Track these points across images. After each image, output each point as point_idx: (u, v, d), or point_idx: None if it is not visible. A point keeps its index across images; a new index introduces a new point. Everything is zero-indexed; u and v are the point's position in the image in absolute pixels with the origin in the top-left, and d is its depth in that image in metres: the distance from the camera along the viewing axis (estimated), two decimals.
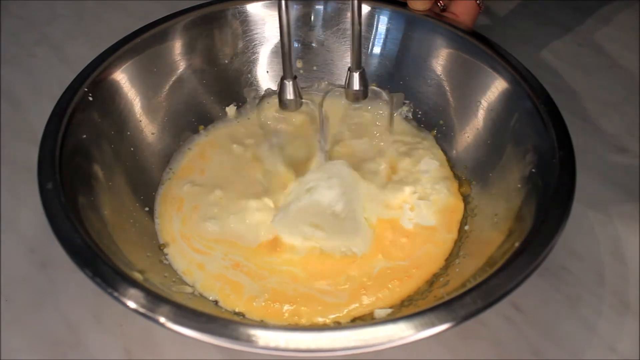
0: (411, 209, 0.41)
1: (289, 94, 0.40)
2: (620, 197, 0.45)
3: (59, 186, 0.34)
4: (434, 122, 0.47)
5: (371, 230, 0.41)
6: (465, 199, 0.43)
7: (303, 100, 0.41)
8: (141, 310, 0.29)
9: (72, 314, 0.38)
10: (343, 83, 0.50)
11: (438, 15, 0.46)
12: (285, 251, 0.40)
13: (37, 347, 0.37)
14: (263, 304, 0.37)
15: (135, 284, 0.30)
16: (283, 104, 0.41)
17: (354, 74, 0.40)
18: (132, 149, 0.43)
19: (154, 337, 0.37)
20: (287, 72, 0.39)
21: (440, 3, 0.47)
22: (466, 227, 0.41)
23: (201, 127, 0.48)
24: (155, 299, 0.29)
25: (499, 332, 0.37)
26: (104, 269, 0.30)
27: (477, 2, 0.46)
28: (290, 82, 0.40)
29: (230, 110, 0.49)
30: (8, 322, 0.38)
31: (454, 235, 0.41)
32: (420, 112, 0.48)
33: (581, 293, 0.39)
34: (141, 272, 0.34)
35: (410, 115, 0.49)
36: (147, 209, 0.42)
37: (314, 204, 0.37)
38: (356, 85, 0.41)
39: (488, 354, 0.36)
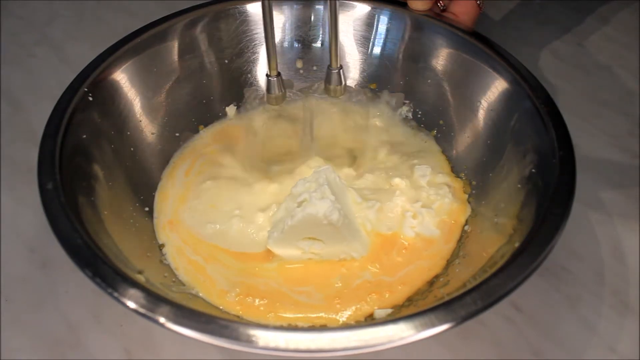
0: (414, 216, 0.41)
1: (275, 90, 0.44)
2: (620, 197, 0.45)
3: (59, 186, 0.34)
4: (434, 122, 0.47)
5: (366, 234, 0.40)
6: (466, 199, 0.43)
7: (288, 92, 0.45)
8: (141, 310, 0.29)
9: (72, 314, 0.38)
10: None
11: (438, 16, 0.46)
12: (277, 260, 0.39)
13: (37, 347, 0.37)
14: (237, 298, 0.37)
15: (135, 284, 0.30)
16: (269, 99, 0.44)
17: (333, 71, 0.44)
18: (132, 149, 0.43)
19: (154, 337, 0.37)
20: (271, 69, 0.43)
21: (440, 3, 0.47)
22: (466, 227, 0.41)
23: (201, 127, 0.48)
24: (155, 299, 0.29)
25: (499, 332, 0.37)
26: (104, 269, 0.30)
27: (478, 2, 0.46)
28: (275, 79, 0.43)
29: (230, 110, 0.49)
30: (8, 322, 0.38)
31: (452, 244, 0.40)
32: (420, 112, 0.48)
33: (581, 293, 0.39)
34: (141, 272, 0.34)
35: (410, 115, 0.49)
36: (147, 209, 0.42)
37: (308, 218, 0.37)
38: (334, 82, 0.44)
39: (488, 354, 0.36)
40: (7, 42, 0.59)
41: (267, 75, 0.43)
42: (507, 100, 0.42)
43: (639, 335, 0.37)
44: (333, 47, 0.42)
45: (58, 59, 0.58)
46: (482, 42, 0.44)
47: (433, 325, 0.28)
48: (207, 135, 0.48)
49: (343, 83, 0.44)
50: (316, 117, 0.49)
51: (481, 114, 0.43)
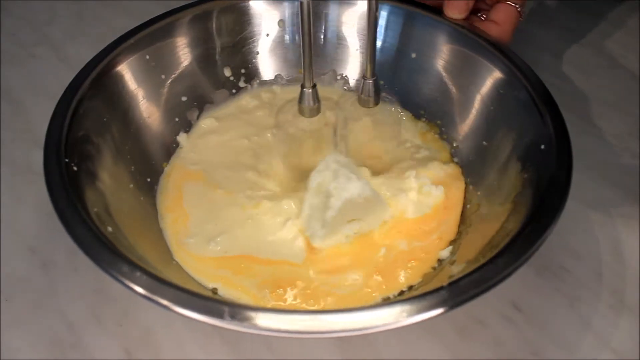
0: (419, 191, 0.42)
1: (309, 102, 0.42)
2: (620, 197, 0.45)
3: (64, 177, 0.34)
4: (434, 119, 0.47)
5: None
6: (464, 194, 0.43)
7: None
8: (146, 293, 0.29)
9: (72, 314, 0.38)
10: (345, 73, 0.50)
11: (474, 27, 0.45)
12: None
13: (37, 347, 0.37)
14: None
15: (140, 268, 0.30)
16: (303, 110, 0.43)
17: (368, 81, 0.42)
18: (135, 141, 0.43)
19: (154, 337, 0.37)
20: (306, 81, 0.41)
21: (481, 16, 0.46)
22: (465, 216, 0.41)
23: (202, 123, 0.48)
24: (160, 282, 0.29)
25: (499, 332, 0.37)
26: (108, 255, 0.30)
27: (518, 9, 0.45)
28: (310, 91, 0.41)
29: (231, 108, 0.49)
30: (8, 322, 0.38)
31: (457, 211, 0.41)
32: (420, 108, 0.48)
33: (581, 293, 0.39)
34: (145, 259, 0.34)
35: (409, 111, 0.49)
36: (150, 200, 0.42)
37: (347, 204, 0.38)
38: (366, 92, 0.42)
39: (488, 354, 0.36)
40: (7, 42, 0.59)
41: (302, 86, 0.41)
42: (505, 92, 0.42)
43: (639, 335, 0.37)
44: (369, 56, 0.40)
45: (58, 58, 0.58)
46: (481, 39, 0.44)
47: (425, 311, 0.28)
48: (211, 134, 0.48)
49: (378, 94, 0.42)
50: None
51: (481, 109, 0.43)
